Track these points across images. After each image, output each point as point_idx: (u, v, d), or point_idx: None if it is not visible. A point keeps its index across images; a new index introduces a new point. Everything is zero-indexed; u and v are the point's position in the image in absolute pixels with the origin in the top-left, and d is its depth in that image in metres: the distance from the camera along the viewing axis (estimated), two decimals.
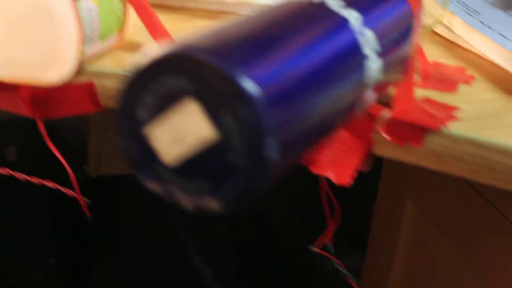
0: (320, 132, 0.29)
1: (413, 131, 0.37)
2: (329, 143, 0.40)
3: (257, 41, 0.27)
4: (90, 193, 1.12)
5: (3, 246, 0.99)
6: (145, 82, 0.27)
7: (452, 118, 0.38)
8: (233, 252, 1.11)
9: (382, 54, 0.32)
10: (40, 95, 0.45)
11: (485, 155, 0.36)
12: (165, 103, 0.27)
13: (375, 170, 0.89)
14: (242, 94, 0.24)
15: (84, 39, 0.40)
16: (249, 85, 0.24)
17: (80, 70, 0.43)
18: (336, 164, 0.40)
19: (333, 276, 1.08)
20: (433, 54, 0.49)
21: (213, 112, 0.25)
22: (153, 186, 0.29)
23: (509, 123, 0.37)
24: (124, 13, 0.44)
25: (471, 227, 0.67)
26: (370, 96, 0.33)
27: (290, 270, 1.10)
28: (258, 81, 0.25)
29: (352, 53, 0.30)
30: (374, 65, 0.31)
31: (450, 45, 0.50)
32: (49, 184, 0.52)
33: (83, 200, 0.52)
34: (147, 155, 0.28)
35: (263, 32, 0.28)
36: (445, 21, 0.50)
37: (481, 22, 0.47)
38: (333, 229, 0.50)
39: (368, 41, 0.31)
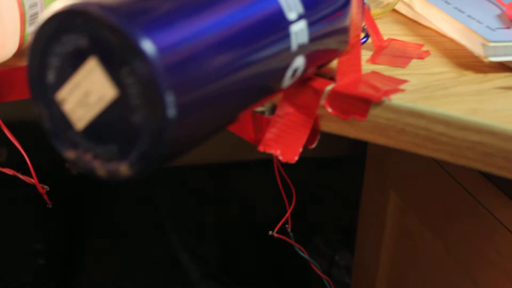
0: (236, 95, 0.28)
1: (356, 104, 0.36)
2: (275, 120, 0.39)
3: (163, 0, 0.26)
4: (74, 190, 1.11)
5: None
6: (48, 43, 0.26)
7: (396, 90, 0.37)
8: (222, 250, 1.10)
9: (305, 17, 0.31)
10: None
11: (427, 126, 0.35)
12: (69, 65, 0.26)
13: (361, 166, 0.88)
14: (135, 49, 0.24)
15: (26, 18, 0.39)
16: (143, 40, 0.24)
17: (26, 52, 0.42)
18: (282, 141, 0.39)
19: (326, 274, 1.06)
20: (394, 32, 0.48)
21: (112, 70, 0.25)
22: (69, 154, 0.28)
23: (455, 94, 0.36)
24: None
25: (450, 214, 0.66)
26: (300, 63, 0.32)
27: (280, 267, 1.09)
28: (155, 37, 0.24)
29: (271, 16, 0.30)
30: (296, 27, 0.30)
31: (411, 23, 0.49)
32: (8, 171, 0.51)
33: (41, 188, 0.51)
34: (61, 121, 0.28)
35: None
36: (407, 1, 0.49)
37: None
38: (289, 212, 0.49)
39: (290, 4, 0.30)
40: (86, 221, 1.13)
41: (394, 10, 0.51)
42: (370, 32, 0.44)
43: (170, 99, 0.24)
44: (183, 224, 1.12)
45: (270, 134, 0.39)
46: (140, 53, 0.24)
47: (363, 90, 0.37)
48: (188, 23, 0.26)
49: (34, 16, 0.40)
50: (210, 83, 0.26)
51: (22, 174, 0.52)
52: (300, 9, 0.31)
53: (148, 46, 0.23)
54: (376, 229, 0.83)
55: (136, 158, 0.26)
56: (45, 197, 0.52)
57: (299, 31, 0.31)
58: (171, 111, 0.24)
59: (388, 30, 0.48)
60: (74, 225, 1.11)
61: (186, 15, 0.26)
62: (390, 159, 0.79)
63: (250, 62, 0.28)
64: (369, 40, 0.44)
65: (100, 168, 0.27)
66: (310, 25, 0.31)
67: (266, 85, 0.31)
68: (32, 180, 0.51)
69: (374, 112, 0.36)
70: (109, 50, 0.24)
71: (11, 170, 0.51)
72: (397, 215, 0.78)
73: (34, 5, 0.40)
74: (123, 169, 0.27)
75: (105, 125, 0.26)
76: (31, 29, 0.40)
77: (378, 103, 0.35)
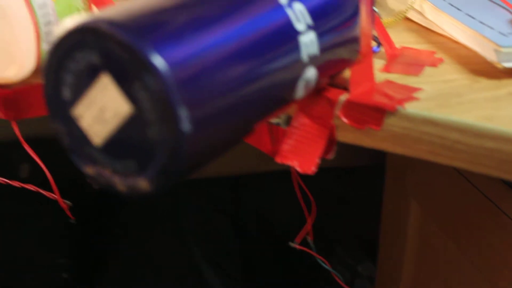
0: (249, 107, 0.29)
1: (371, 113, 0.36)
2: (291, 131, 0.39)
3: (170, 13, 0.26)
4: (98, 204, 1.13)
5: (16, 260, 0.99)
6: (61, 60, 0.26)
7: (411, 98, 0.37)
8: (242, 261, 1.10)
9: (314, 27, 0.31)
10: (10, 96, 0.45)
11: (442, 134, 0.35)
12: (84, 81, 0.26)
13: (381, 176, 0.88)
14: (146, 64, 0.24)
15: (41, 36, 0.40)
16: (153, 55, 0.24)
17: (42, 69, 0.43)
18: (300, 153, 0.39)
19: (348, 285, 1.06)
20: (406, 40, 0.48)
21: (125, 85, 0.25)
22: (88, 170, 0.29)
23: (470, 101, 0.36)
24: (87, 10, 0.44)
25: (472, 223, 0.66)
26: (312, 74, 0.32)
27: (302, 279, 1.09)
28: (165, 51, 0.24)
29: (280, 27, 0.30)
30: (305, 38, 0.31)
31: (424, 31, 0.49)
32: (30, 187, 0.52)
33: (64, 203, 0.52)
34: (79, 137, 0.28)
35: (178, 4, 0.27)
36: (417, 7, 0.49)
37: (451, 4, 0.46)
38: (310, 223, 0.49)
39: (297, 13, 0.31)
40: (108, 235, 1.14)
41: (406, 18, 0.52)
42: (382, 40, 0.44)
43: (183, 113, 0.24)
44: (203, 236, 1.13)
45: (287, 145, 0.39)
46: (151, 68, 0.24)
47: (377, 99, 0.37)
48: (198, 36, 0.26)
49: (50, 33, 0.41)
50: (223, 95, 0.27)
51: (45, 189, 0.52)
52: (308, 20, 0.31)
53: (158, 61, 0.24)
54: (398, 239, 0.83)
55: (154, 173, 0.26)
56: (68, 212, 0.53)
57: (308, 42, 0.31)
58: (186, 126, 0.24)
59: (400, 38, 0.48)
60: (97, 239, 1.12)
61: (196, 29, 0.26)
62: (410, 169, 0.79)
63: (261, 74, 0.29)
64: (381, 48, 0.45)
65: (120, 184, 0.28)
66: (320, 35, 0.32)
67: (278, 96, 0.31)
68: (55, 195, 0.51)
69: (389, 121, 0.36)
70: (121, 66, 0.25)
71: (33, 186, 0.52)
72: (419, 225, 0.77)
73: (48, 23, 0.41)
74: (143, 184, 0.27)
75: (122, 140, 0.27)
76: (47, 46, 0.41)
77: (393, 112, 0.36)
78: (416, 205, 0.77)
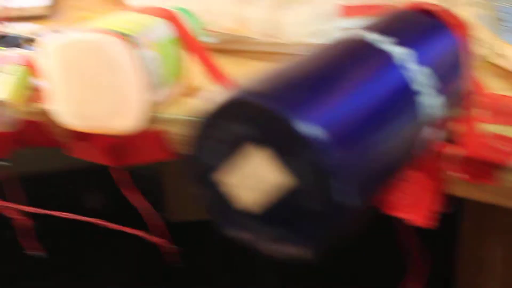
0: (388, 171, 0.30)
1: (483, 168, 0.37)
2: (402, 184, 0.40)
3: (313, 84, 0.28)
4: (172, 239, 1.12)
5: None
6: (209, 130, 0.27)
7: None
8: None
9: (441, 90, 0.33)
10: (114, 144, 0.46)
11: None
12: (233, 149, 0.27)
13: (455, 212, 0.85)
14: (307, 138, 0.25)
15: (149, 87, 0.41)
16: (313, 129, 0.25)
17: (149, 117, 0.44)
18: (411, 205, 0.40)
19: None
20: (496, 87, 0.48)
21: (282, 156, 0.26)
22: (233, 233, 0.30)
23: None
24: (185, 59, 0.45)
25: None
26: (432, 133, 0.33)
27: None
28: (320, 124, 0.25)
29: (406, 90, 0.31)
30: (435, 101, 0.32)
31: (511, 76, 0.50)
32: (139, 233, 0.52)
33: (172, 248, 0.52)
34: (222, 201, 0.29)
35: (318, 74, 0.29)
36: (502, 52, 0.50)
37: None
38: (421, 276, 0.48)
39: (424, 77, 0.32)
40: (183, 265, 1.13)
41: (492, 64, 0.52)
42: (476, 89, 0.44)
43: (345, 184, 0.25)
44: (278, 271, 1.11)
45: (399, 198, 0.40)
46: (311, 142, 0.25)
47: (489, 153, 0.38)
48: (340, 103, 0.28)
49: (155, 84, 0.42)
50: (370, 161, 0.28)
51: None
52: (433, 80, 0.32)
53: (318, 135, 0.25)
54: (479, 282, 0.79)
55: (309, 241, 0.27)
56: (176, 258, 0.52)
57: (437, 103, 0.32)
58: (347, 197, 0.25)
59: (490, 86, 0.48)
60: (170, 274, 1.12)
61: (340, 100, 0.28)
62: (491, 212, 0.75)
63: (391, 134, 0.30)
64: (476, 97, 0.45)
65: (269, 249, 0.28)
66: (444, 95, 0.33)
67: (406, 155, 0.32)
68: (162, 241, 0.51)
69: (503, 175, 0.37)
70: (275, 137, 0.26)
71: (143, 233, 0.51)
72: (502, 269, 0.74)
73: (154, 74, 0.42)
74: (296, 251, 0.28)
75: (274, 208, 0.27)
76: (153, 96, 0.42)
77: (505, 166, 0.36)
78: (499, 246, 0.73)
